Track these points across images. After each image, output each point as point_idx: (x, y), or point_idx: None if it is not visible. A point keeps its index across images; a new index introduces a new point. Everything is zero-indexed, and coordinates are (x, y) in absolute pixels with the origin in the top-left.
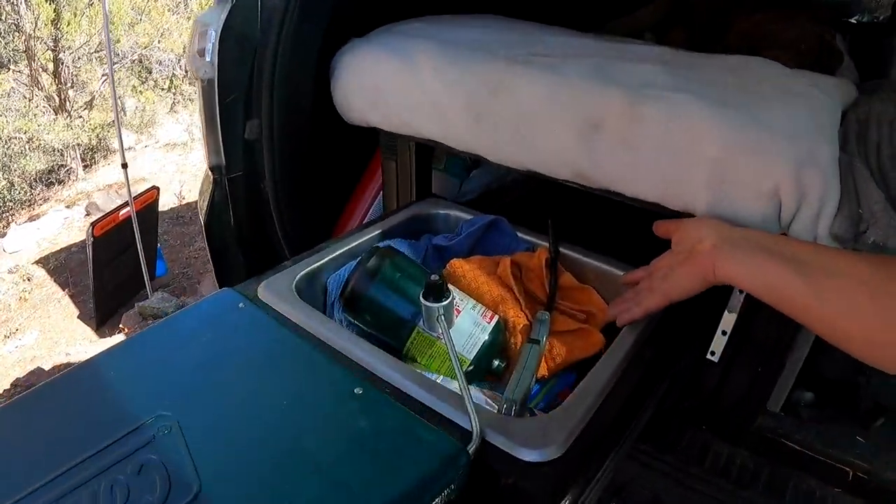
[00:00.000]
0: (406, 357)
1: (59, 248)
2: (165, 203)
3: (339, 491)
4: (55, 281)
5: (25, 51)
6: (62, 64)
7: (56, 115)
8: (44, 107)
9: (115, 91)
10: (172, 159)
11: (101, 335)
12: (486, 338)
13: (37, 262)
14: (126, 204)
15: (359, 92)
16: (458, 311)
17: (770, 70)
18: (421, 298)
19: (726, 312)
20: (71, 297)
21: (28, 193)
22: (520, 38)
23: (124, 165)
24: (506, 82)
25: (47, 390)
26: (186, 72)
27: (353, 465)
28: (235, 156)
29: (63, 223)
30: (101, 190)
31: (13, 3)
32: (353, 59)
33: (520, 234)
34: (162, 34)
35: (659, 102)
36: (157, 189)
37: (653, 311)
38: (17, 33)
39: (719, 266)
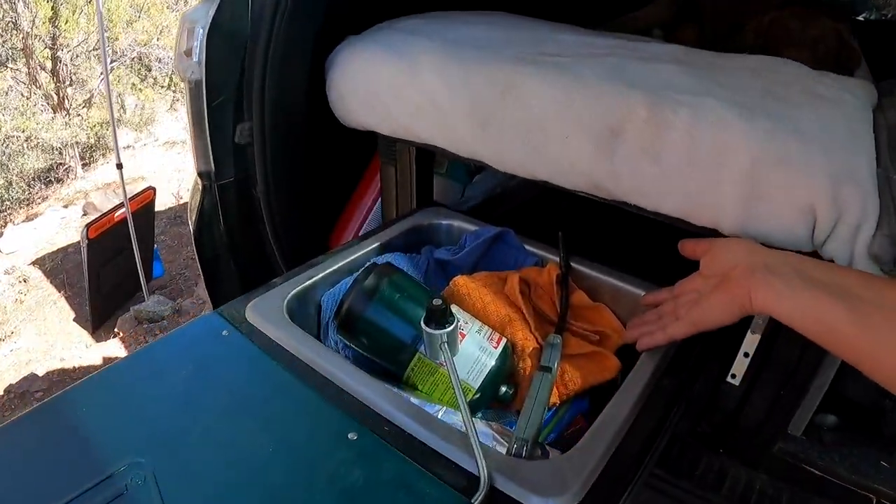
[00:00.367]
0: (406, 384)
1: (55, 249)
2: (163, 203)
3: None
4: (51, 283)
5: (23, 49)
6: (60, 62)
7: (54, 113)
8: (42, 105)
9: (110, 92)
10: (172, 157)
11: (98, 339)
12: (493, 364)
13: (33, 264)
14: (122, 205)
15: (355, 93)
16: (463, 335)
17: (793, 71)
18: (422, 324)
19: (749, 333)
20: (67, 299)
21: (26, 192)
22: (528, 36)
23: (119, 166)
24: (514, 84)
25: (12, 429)
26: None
27: None
28: (225, 161)
29: (60, 223)
30: (98, 189)
31: (11, 0)
32: (349, 58)
33: (528, 247)
34: (161, 31)
35: (683, 108)
36: (154, 190)
37: (678, 339)
38: (14, 31)
39: (757, 295)
